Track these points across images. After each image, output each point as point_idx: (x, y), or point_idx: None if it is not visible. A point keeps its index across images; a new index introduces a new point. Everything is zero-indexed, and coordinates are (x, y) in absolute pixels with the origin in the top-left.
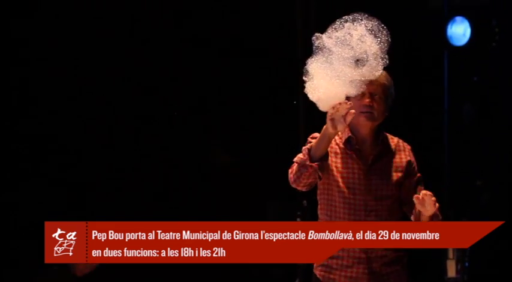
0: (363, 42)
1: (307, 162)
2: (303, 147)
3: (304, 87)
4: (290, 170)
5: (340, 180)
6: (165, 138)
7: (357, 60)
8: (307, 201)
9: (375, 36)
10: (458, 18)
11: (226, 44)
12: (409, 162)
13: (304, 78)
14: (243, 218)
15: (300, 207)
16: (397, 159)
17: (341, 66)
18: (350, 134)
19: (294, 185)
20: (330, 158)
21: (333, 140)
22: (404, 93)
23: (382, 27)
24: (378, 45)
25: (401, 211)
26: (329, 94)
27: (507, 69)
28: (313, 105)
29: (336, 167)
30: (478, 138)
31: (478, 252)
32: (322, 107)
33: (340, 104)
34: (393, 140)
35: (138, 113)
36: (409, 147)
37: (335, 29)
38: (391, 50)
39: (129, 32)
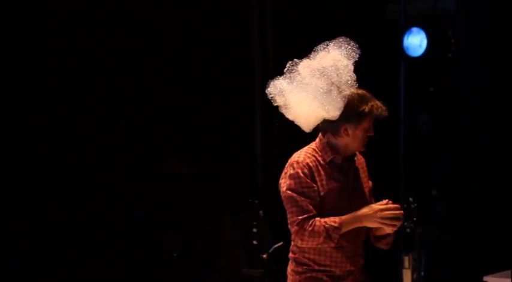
0: (337, 69)
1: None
2: (332, 228)
3: (266, 101)
4: (311, 235)
5: (328, 200)
6: (119, 148)
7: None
8: (263, 212)
9: (348, 58)
10: (414, 29)
11: (184, 55)
12: (367, 167)
13: (276, 100)
14: (200, 229)
15: (257, 218)
16: (363, 167)
17: (318, 94)
18: (332, 156)
19: (303, 244)
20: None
21: (312, 155)
22: None
23: (353, 45)
24: (348, 60)
25: None
26: (310, 116)
27: (463, 79)
28: (269, 116)
29: (322, 185)
30: (433, 148)
31: (434, 262)
32: (305, 128)
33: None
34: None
35: (91, 124)
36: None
37: (310, 58)
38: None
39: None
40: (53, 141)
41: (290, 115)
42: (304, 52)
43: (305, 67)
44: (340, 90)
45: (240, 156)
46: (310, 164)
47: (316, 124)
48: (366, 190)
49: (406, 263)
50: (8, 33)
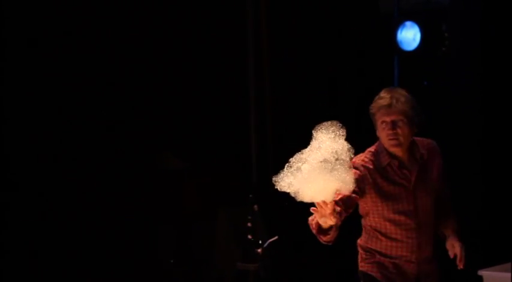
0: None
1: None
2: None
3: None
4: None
5: (388, 207)
6: (113, 144)
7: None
8: (258, 206)
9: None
10: (408, 23)
11: (179, 52)
12: (440, 166)
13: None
14: (195, 223)
15: (251, 212)
16: (431, 166)
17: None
18: (389, 160)
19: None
20: (369, 182)
21: (369, 159)
22: (354, 97)
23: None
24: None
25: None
26: (327, 192)
27: (457, 73)
28: (263, 111)
29: (381, 191)
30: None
31: None
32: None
33: (320, 207)
34: (423, 144)
35: (85, 119)
36: (437, 148)
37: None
38: (341, 54)
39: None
40: (47, 137)
41: (307, 198)
42: (298, 46)
43: (304, 163)
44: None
45: (235, 151)
46: (361, 168)
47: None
48: (429, 191)
49: None
50: (8, 34)
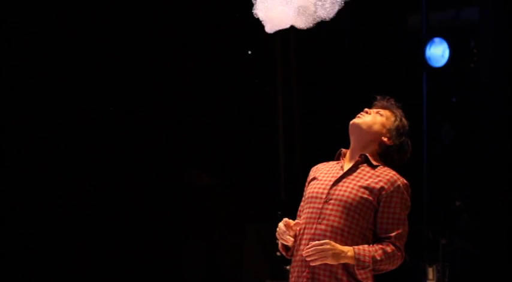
0: None
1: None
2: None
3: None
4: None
5: (308, 188)
6: (143, 160)
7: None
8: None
9: None
10: (436, 40)
11: (210, 69)
12: (382, 188)
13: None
14: (223, 240)
15: None
16: (374, 179)
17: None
18: (342, 149)
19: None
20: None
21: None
22: None
23: None
24: None
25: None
26: (277, 18)
27: (485, 89)
28: (291, 127)
29: (314, 176)
30: (457, 159)
31: (458, 273)
32: (268, 29)
33: (281, 234)
34: (385, 170)
35: (116, 136)
36: (401, 183)
37: None
38: (370, 70)
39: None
40: (80, 157)
41: (262, 13)
42: (327, 63)
43: None
44: None
45: (263, 167)
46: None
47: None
48: (359, 188)
49: (430, 274)
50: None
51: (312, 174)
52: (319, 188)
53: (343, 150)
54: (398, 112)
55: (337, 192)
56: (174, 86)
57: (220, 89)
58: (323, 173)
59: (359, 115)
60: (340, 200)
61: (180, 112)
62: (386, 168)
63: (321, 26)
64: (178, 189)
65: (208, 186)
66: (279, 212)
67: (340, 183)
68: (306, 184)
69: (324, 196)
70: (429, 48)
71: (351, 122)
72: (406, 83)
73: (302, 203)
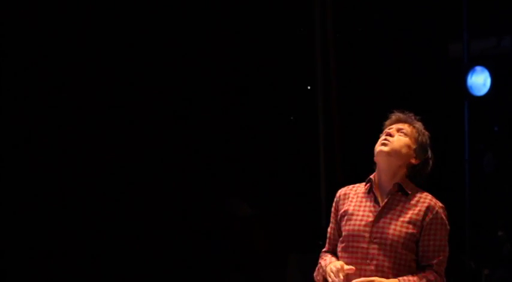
0: None
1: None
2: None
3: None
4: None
5: (347, 224)
6: (187, 189)
7: None
8: None
9: None
10: (478, 68)
11: (250, 98)
12: (423, 218)
13: None
14: (264, 270)
15: None
16: (414, 210)
17: None
18: (372, 176)
19: None
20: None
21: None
22: None
23: None
24: None
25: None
26: None
27: None
28: (332, 155)
29: (348, 209)
30: (499, 189)
31: None
32: None
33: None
34: (421, 196)
35: (157, 164)
36: (439, 207)
37: None
38: (411, 99)
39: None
40: (117, 185)
41: None
42: (368, 90)
43: None
44: None
45: (304, 196)
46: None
47: None
48: (403, 222)
49: None
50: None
51: (340, 201)
52: (359, 225)
53: (372, 177)
54: (418, 124)
55: (380, 230)
56: (215, 114)
57: (263, 121)
58: (357, 206)
59: (384, 141)
60: (386, 239)
61: (223, 143)
62: (420, 193)
63: (363, 53)
64: (220, 219)
65: (249, 216)
66: (320, 242)
67: (382, 220)
68: (333, 209)
69: (367, 235)
70: (471, 77)
71: (378, 150)
72: (448, 112)
73: (330, 230)
